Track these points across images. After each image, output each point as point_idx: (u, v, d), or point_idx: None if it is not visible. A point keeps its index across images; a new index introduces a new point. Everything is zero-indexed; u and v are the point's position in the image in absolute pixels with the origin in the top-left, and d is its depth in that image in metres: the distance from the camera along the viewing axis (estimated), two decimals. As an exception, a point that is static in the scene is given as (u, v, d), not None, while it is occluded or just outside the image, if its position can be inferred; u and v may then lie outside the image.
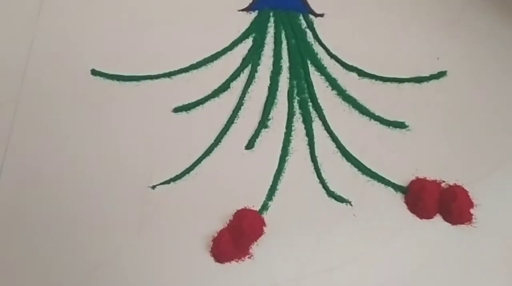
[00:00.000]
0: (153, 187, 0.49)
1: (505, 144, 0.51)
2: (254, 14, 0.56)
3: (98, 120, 0.52)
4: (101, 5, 0.56)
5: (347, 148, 0.51)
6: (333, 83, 0.53)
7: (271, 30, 0.55)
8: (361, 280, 0.47)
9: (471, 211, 0.48)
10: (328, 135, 0.51)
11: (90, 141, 0.51)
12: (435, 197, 0.49)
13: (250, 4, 0.56)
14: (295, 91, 0.53)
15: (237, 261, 0.47)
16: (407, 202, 0.49)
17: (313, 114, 0.52)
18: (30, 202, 0.49)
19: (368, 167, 0.50)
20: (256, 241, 0.47)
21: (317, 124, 0.52)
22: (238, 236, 0.47)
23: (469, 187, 0.49)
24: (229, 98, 0.53)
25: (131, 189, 0.49)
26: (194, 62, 0.54)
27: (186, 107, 0.52)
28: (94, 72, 0.53)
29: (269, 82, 0.53)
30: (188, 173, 0.50)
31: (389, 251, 0.48)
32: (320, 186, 0.50)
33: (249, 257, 0.47)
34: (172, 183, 0.50)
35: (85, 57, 0.54)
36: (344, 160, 0.50)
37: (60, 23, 0.56)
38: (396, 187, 0.49)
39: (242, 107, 0.52)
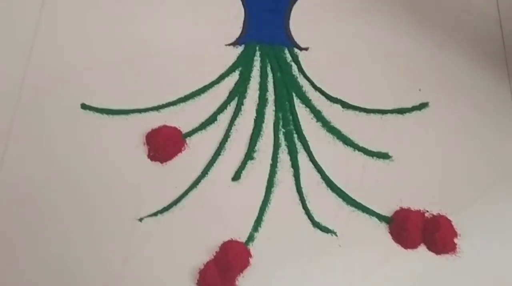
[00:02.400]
0: (141, 220, 0.50)
1: (487, 173, 0.52)
2: (240, 49, 0.58)
3: (88, 153, 0.53)
4: (91, 40, 0.58)
5: (332, 179, 0.52)
6: (318, 115, 0.54)
7: (257, 64, 0.57)
8: (347, 311, 0.47)
9: (455, 240, 0.49)
10: (313, 166, 0.52)
11: (79, 174, 0.52)
12: (419, 227, 0.49)
13: (237, 39, 0.58)
14: (281, 123, 0.54)
15: (223, 293, 0.47)
16: (391, 232, 0.50)
17: (298, 146, 0.53)
18: (17, 234, 0.49)
19: (353, 197, 0.51)
20: (242, 272, 0.48)
21: (302, 156, 0.53)
22: (224, 268, 0.47)
23: (453, 217, 0.50)
24: (216, 131, 0.54)
25: (118, 221, 0.50)
26: (182, 95, 0.55)
27: (174, 140, 0.53)
28: (84, 107, 0.55)
29: (255, 114, 0.54)
30: (175, 205, 0.51)
31: (374, 281, 0.48)
32: (306, 217, 0.50)
33: (235, 289, 0.47)
34: (159, 215, 0.50)
35: (75, 91, 0.55)
36: (329, 190, 0.51)
37: (52, 58, 0.57)
38: (381, 217, 0.50)
39: (229, 139, 0.53)
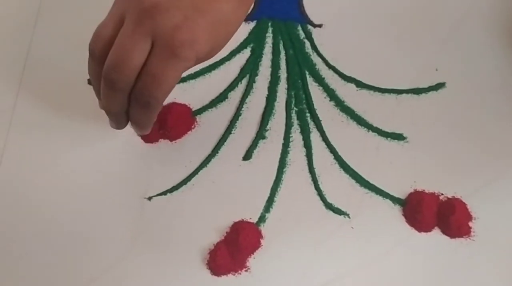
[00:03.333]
0: (149, 198, 0.49)
1: (503, 156, 0.51)
2: (252, 24, 0.56)
3: (94, 130, 0.51)
4: (98, 14, 0.56)
5: (345, 159, 0.51)
6: (331, 94, 0.53)
7: (269, 41, 0.55)
8: (358, 293, 0.47)
9: (470, 224, 0.48)
10: (326, 146, 0.51)
11: (85, 151, 0.51)
12: (433, 210, 0.48)
13: (249, 14, 0.56)
14: (293, 102, 0.53)
15: (234, 274, 0.46)
16: (405, 215, 0.49)
17: (311, 125, 0.52)
18: (21, 212, 0.49)
19: (366, 179, 0.50)
20: (253, 253, 0.47)
21: (315, 136, 0.51)
22: (235, 248, 0.47)
23: (468, 200, 0.49)
24: (227, 109, 0.52)
25: (126, 200, 0.49)
26: (192, 72, 0.53)
27: (184, 118, 0.52)
28: (91, 82, 0.53)
29: (267, 92, 0.53)
30: (185, 184, 0.49)
31: (387, 264, 0.47)
32: (318, 197, 0.49)
33: (246, 270, 0.47)
34: (168, 194, 0.49)
35: (81, 66, 0.53)
36: (342, 171, 0.50)
37: (57, 32, 0.55)
38: (394, 200, 0.49)
39: (240, 117, 0.52)
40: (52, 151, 0.51)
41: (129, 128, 0.51)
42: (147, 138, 0.51)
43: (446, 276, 0.47)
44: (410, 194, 0.49)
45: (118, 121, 0.45)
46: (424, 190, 0.49)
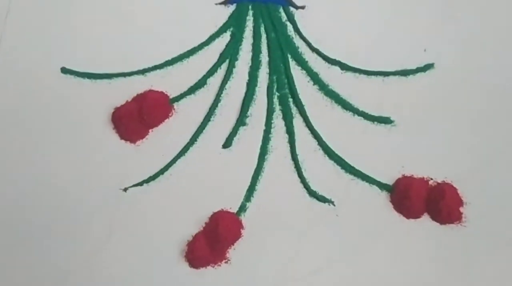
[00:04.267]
0: (125, 189, 0.47)
1: (494, 139, 0.49)
2: (232, 8, 0.54)
3: (69, 119, 0.50)
4: (71, 2, 0.54)
5: (330, 145, 0.48)
6: (315, 78, 0.51)
7: (249, 24, 0.53)
8: (344, 283, 0.45)
9: (461, 209, 0.46)
10: (309, 132, 0.49)
11: (59, 142, 0.49)
12: (422, 196, 0.46)
13: (228, -3, 0.54)
14: (275, 86, 0.51)
15: (213, 266, 0.45)
16: (393, 201, 0.47)
17: (294, 110, 0.50)
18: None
19: (352, 165, 0.48)
20: (233, 244, 0.45)
21: (298, 121, 0.49)
22: (214, 240, 0.45)
23: (459, 185, 0.47)
24: (206, 95, 0.50)
25: (101, 191, 0.47)
26: (169, 58, 0.51)
27: (161, 105, 0.50)
28: (64, 71, 0.51)
29: (247, 78, 0.51)
30: (162, 173, 0.48)
31: (374, 253, 0.45)
32: (301, 185, 0.47)
33: (225, 262, 0.45)
34: (145, 185, 0.47)
35: (54, 55, 0.52)
36: (327, 157, 0.48)
37: (30, 20, 0.53)
38: (381, 186, 0.47)
39: (219, 104, 0.50)
40: (25, 142, 0.49)
41: (104, 121, 0.49)
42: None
43: (435, 264, 0.45)
44: (398, 180, 0.47)
45: None
46: (412, 175, 0.47)
